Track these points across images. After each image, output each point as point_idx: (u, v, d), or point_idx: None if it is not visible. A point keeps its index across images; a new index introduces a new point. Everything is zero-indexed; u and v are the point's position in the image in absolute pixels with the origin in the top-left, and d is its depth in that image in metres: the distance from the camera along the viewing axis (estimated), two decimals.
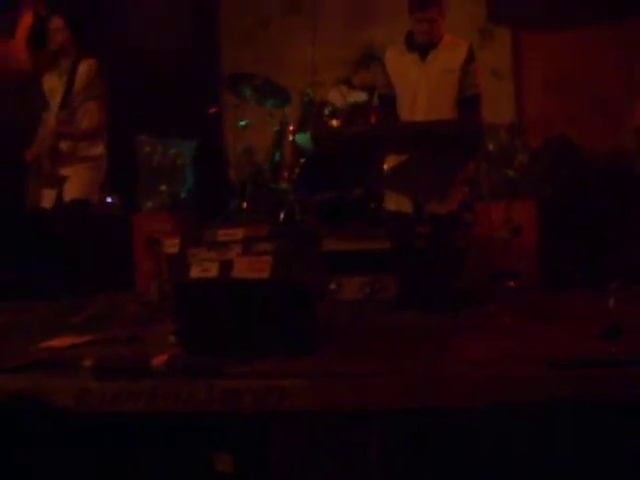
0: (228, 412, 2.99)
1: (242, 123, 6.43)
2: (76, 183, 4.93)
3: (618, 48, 5.09)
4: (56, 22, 4.93)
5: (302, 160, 5.87)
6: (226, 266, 3.47)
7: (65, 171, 4.91)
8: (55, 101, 4.92)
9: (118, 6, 6.99)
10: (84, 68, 4.90)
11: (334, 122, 5.84)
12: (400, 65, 4.61)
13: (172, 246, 4.06)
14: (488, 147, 5.97)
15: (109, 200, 6.54)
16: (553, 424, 2.92)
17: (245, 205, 6.16)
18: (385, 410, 2.96)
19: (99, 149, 5.08)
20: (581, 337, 3.55)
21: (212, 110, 6.79)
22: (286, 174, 6.00)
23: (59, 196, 4.91)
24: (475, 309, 4.43)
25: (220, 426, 3.04)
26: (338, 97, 6.13)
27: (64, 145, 4.88)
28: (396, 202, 4.59)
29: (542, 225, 5.83)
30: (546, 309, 4.42)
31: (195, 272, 3.51)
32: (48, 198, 4.93)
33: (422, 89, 4.52)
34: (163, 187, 6.51)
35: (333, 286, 4.85)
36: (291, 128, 6.13)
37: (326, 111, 5.91)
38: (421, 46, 4.54)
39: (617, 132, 5.04)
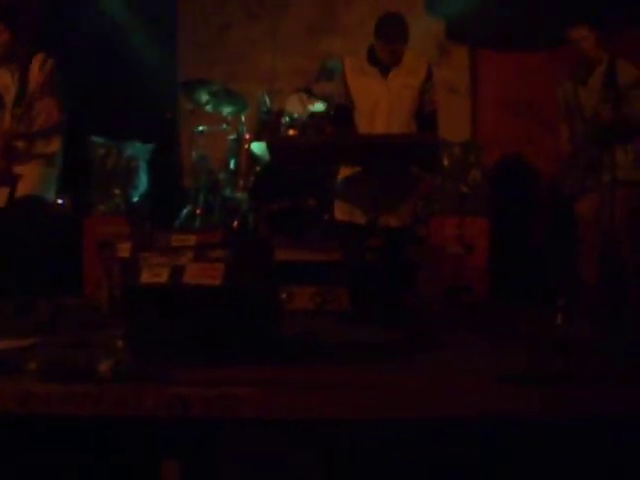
0: (176, 419, 2.96)
1: (199, 129, 6.41)
2: (30, 180, 4.80)
3: (567, 72, 5.23)
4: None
5: (257, 169, 5.87)
6: (177, 272, 3.44)
7: (19, 169, 4.78)
8: (8, 99, 4.81)
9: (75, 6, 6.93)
10: (37, 64, 4.79)
11: (291, 131, 5.86)
12: (361, 78, 4.66)
13: (124, 250, 4.03)
14: (443, 163, 6.03)
15: (59, 201, 6.44)
16: (499, 438, 2.95)
17: (199, 212, 6.13)
18: (335, 421, 2.96)
19: (55, 146, 4.96)
20: (530, 352, 3.59)
21: (167, 115, 6.75)
22: (241, 182, 5.99)
23: (11, 194, 4.77)
24: (427, 323, 4.46)
25: (168, 433, 3.01)
26: (297, 105, 6.14)
27: (19, 143, 4.76)
28: (348, 213, 4.61)
29: (493, 241, 5.89)
30: (497, 324, 4.46)
31: (146, 277, 3.48)
32: (0, 196, 4.79)
33: (383, 103, 4.59)
34: (116, 190, 6.43)
35: (284, 295, 4.84)
36: (247, 136, 6.12)
37: (284, 120, 5.92)
38: (383, 62, 4.60)
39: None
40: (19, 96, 4.74)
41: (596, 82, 4.78)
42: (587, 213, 4.82)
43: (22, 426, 3.02)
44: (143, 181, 6.54)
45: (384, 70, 4.60)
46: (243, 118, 6.37)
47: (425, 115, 4.64)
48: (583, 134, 4.80)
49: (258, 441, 2.99)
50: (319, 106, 6.08)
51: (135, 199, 6.45)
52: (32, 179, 4.82)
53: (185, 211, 6.19)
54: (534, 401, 2.93)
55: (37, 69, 4.79)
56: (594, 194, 4.70)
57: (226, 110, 6.35)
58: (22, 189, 4.79)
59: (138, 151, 6.56)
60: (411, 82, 4.60)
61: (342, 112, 4.75)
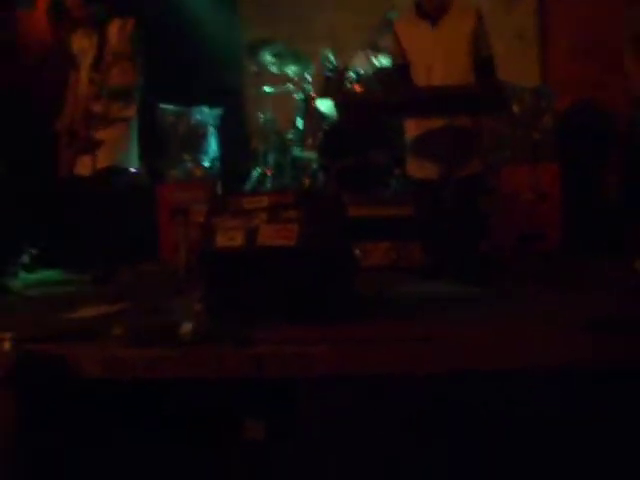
0: (255, 378, 3.02)
1: (265, 90, 6.42)
2: (112, 149, 4.81)
3: None
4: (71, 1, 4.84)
5: (325, 127, 5.86)
6: (252, 234, 3.48)
7: (100, 135, 4.77)
8: (86, 61, 4.84)
9: None
10: (115, 28, 4.79)
11: (357, 87, 5.82)
12: (412, 34, 4.66)
13: (198, 215, 4.09)
14: (513, 110, 5.92)
15: (133, 170, 6.55)
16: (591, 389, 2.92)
17: (269, 173, 6.16)
18: (411, 375, 2.98)
19: (132, 110, 4.97)
20: (611, 300, 3.54)
21: (233, 79, 6.77)
22: (310, 141, 5.99)
23: (94, 162, 4.76)
24: (500, 274, 4.43)
25: (249, 393, 3.07)
26: (363, 61, 6.10)
27: (97, 107, 4.73)
28: (421, 169, 4.60)
29: (566, 188, 5.79)
30: (572, 274, 4.40)
31: (221, 241, 3.53)
32: (83, 164, 4.81)
33: (437, 55, 4.57)
34: (187, 156, 6.49)
35: (358, 252, 4.85)
36: (313, 95, 6.11)
37: (349, 77, 5.88)
38: (431, 13, 4.58)
39: None
40: (97, 60, 4.75)
41: None
42: None
43: (108, 390, 3.12)
44: (213, 146, 6.59)
45: (433, 21, 4.58)
46: (308, 77, 6.35)
47: (482, 60, 4.60)
48: None
49: (335, 398, 3.03)
50: (385, 60, 6.01)
51: (206, 164, 6.51)
52: (113, 147, 4.82)
53: (256, 173, 6.23)
54: (621, 348, 2.89)
55: (115, 32, 4.77)
56: None
57: (291, 70, 6.34)
58: (104, 159, 4.78)
59: (206, 116, 6.60)
60: (462, 29, 4.56)
61: (401, 71, 4.75)
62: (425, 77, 4.59)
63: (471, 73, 4.59)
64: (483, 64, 4.60)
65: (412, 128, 4.71)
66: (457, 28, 4.56)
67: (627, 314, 3.16)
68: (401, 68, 4.74)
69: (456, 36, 4.56)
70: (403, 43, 4.69)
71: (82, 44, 4.89)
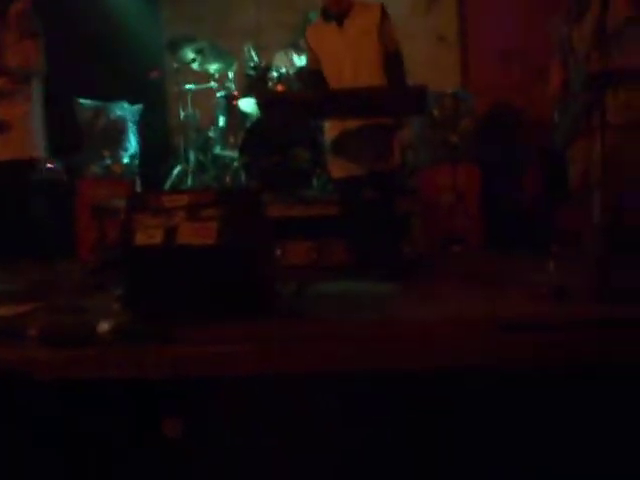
0: (177, 378, 3.00)
1: (188, 87, 6.38)
2: (20, 135, 4.69)
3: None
4: None
5: (247, 125, 5.85)
6: (171, 232, 3.45)
7: (3, 112, 4.64)
8: None
9: None
10: (16, 8, 4.67)
11: (279, 87, 5.83)
12: (321, 37, 4.78)
13: (117, 212, 4.04)
14: (433, 113, 6.01)
15: (50, 166, 6.43)
16: (503, 388, 2.98)
17: (190, 171, 6.13)
18: (336, 373, 3.00)
19: (38, 90, 4.83)
20: (526, 299, 3.63)
21: (153, 74, 6.71)
22: (231, 139, 5.98)
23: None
24: (423, 273, 4.49)
25: (168, 391, 3.05)
26: (285, 60, 6.12)
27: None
28: (343, 168, 4.65)
29: (485, 190, 5.90)
30: (491, 272, 4.49)
31: (140, 239, 3.49)
32: None
33: (345, 54, 4.67)
34: (106, 152, 6.41)
35: (278, 252, 4.85)
36: (236, 93, 6.10)
37: (271, 75, 5.89)
38: (336, 15, 4.69)
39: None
40: None
41: (588, 24, 4.67)
42: (577, 160, 4.78)
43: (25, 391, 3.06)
44: (132, 142, 6.52)
45: (339, 22, 4.68)
46: (231, 75, 6.34)
47: (390, 55, 4.68)
48: (575, 78, 4.72)
49: (253, 397, 3.03)
50: (304, 60, 6.04)
51: (125, 160, 6.44)
52: (21, 135, 4.68)
53: (176, 171, 6.19)
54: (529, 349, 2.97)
55: (14, 12, 4.65)
56: (585, 139, 4.65)
57: (213, 67, 6.33)
58: (14, 148, 4.66)
59: (126, 112, 6.52)
60: (366, 26, 4.65)
61: (316, 76, 4.84)
62: (336, 77, 4.69)
63: (380, 69, 4.68)
64: (390, 60, 4.68)
65: (330, 129, 4.77)
66: (362, 26, 4.66)
67: (534, 314, 3.26)
68: (314, 73, 4.85)
69: (362, 33, 4.65)
70: (314, 48, 4.81)
71: None
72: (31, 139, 4.74)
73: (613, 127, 4.46)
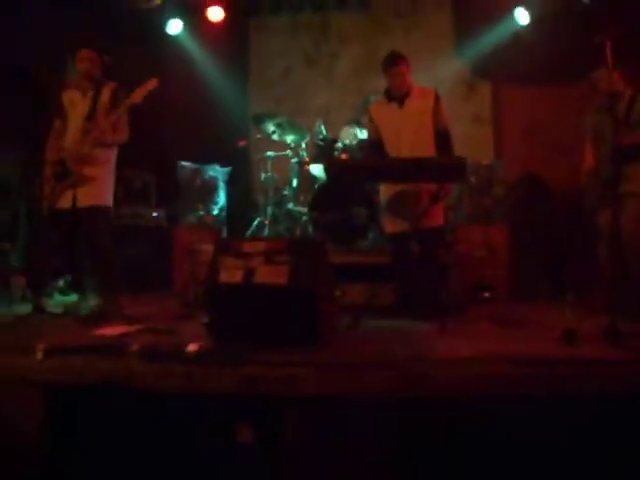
0: (249, 394, 3.00)
1: (268, 154, 6.47)
2: (95, 187, 4.65)
3: (576, 104, 5.23)
4: (88, 54, 4.73)
5: (315, 186, 5.89)
6: (250, 273, 3.49)
7: (86, 172, 4.62)
8: (76, 112, 4.71)
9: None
10: (109, 89, 4.72)
11: (343, 155, 5.88)
12: (383, 113, 4.76)
13: (206, 254, 4.08)
14: (471, 180, 5.99)
15: (155, 214, 6.57)
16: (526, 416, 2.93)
17: (267, 222, 6.18)
18: (380, 397, 2.97)
19: (112, 155, 4.80)
20: (546, 340, 3.57)
21: (242, 143, 6.83)
22: (302, 197, 6.02)
23: (74, 197, 4.60)
24: (457, 315, 4.44)
25: (242, 405, 3.05)
26: (349, 134, 6.16)
27: (84, 149, 4.59)
28: (394, 224, 4.63)
29: (513, 246, 5.83)
30: (515, 317, 4.41)
31: (224, 277, 3.53)
32: (65, 199, 4.63)
33: (404, 130, 4.64)
34: (200, 205, 6.52)
35: (338, 293, 4.85)
36: (307, 160, 6.16)
37: (337, 146, 5.94)
38: (397, 96, 4.68)
39: (576, 173, 5.05)
40: (90, 112, 4.66)
41: (619, 113, 4.65)
42: (605, 224, 4.69)
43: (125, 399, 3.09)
44: (222, 198, 6.62)
45: (399, 102, 4.68)
46: (303, 145, 6.40)
47: (440, 133, 4.66)
48: (605, 154, 4.69)
49: (315, 413, 3.01)
50: (365, 134, 6.08)
51: (215, 212, 6.54)
52: (96, 187, 4.66)
53: (256, 222, 6.25)
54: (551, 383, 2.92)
55: (108, 92, 4.71)
56: (613, 206, 4.57)
57: (289, 138, 6.39)
58: (90, 197, 4.63)
59: (218, 173, 6.64)
60: (424, 107, 4.65)
61: (375, 145, 4.82)
62: (396, 148, 4.66)
63: (433, 144, 4.65)
64: (441, 136, 4.65)
65: (385, 191, 4.75)
66: (419, 107, 4.65)
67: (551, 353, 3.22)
68: (374, 143, 4.83)
69: (419, 113, 4.64)
70: (376, 122, 4.79)
71: (74, 98, 4.76)
72: (109, 190, 4.81)
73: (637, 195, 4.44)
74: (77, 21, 5.65)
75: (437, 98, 4.68)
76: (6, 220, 5.74)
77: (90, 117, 4.66)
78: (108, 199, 4.76)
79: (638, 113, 4.59)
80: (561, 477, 2.91)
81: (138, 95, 4.55)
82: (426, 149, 4.60)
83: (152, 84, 4.57)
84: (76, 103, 4.75)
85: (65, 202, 4.63)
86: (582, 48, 4.70)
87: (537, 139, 6.78)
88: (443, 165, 4.25)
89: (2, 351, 3.31)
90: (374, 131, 4.82)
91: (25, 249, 5.32)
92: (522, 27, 6.62)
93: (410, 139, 4.61)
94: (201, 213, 6.50)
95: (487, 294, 5.55)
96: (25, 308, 4.60)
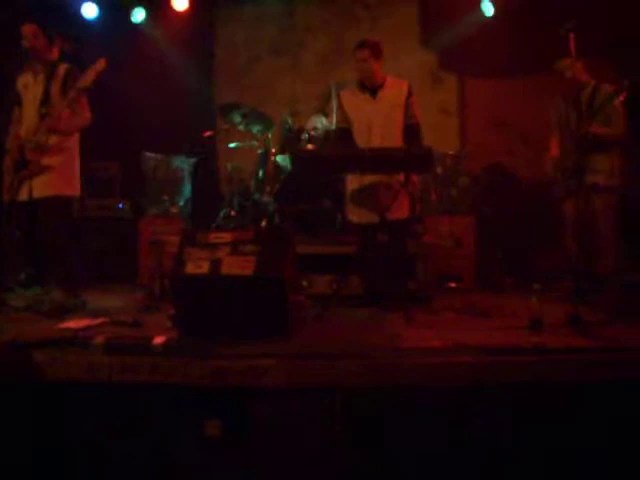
0: (217, 386, 2.98)
1: (232, 145, 6.42)
2: (56, 176, 4.49)
3: (539, 95, 5.32)
4: (30, 28, 4.52)
5: (282, 177, 5.87)
6: (216, 264, 3.47)
7: (46, 161, 4.45)
8: (30, 97, 4.56)
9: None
10: (62, 70, 4.55)
11: (309, 146, 5.85)
12: (355, 103, 4.70)
13: (172, 246, 4.04)
14: (437, 171, 6.01)
15: (120, 206, 6.49)
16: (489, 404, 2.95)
17: (233, 213, 6.14)
18: (348, 387, 2.97)
19: (72, 141, 4.63)
20: (511, 329, 3.59)
21: (207, 133, 6.77)
22: (268, 188, 5.99)
23: (30, 189, 4.45)
24: (424, 305, 4.46)
25: (210, 399, 3.03)
26: (315, 124, 6.14)
27: (42, 138, 4.42)
28: (361, 215, 4.62)
29: (479, 236, 5.88)
30: (481, 306, 4.45)
31: (190, 268, 3.50)
32: (23, 191, 4.48)
33: (375, 121, 4.61)
34: (165, 196, 6.47)
35: (305, 283, 4.83)
36: (273, 150, 6.12)
37: (304, 137, 5.92)
38: (370, 87, 4.64)
39: (539, 162, 5.11)
40: (45, 96, 4.50)
41: (583, 103, 4.73)
42: (572, 212, 4.77)
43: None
44: (187, 189, 6.58)
45: (372, 93, 4.64)
46: (270, 135, 6.36)
47: (409, 127, 4.63)
48: (570, 144, 4.75)
49: (283, 405, 3.00)
50: (331, 124, 6.07)
51: (181, 203, 6.49)
52: (57, 176, 4.50)
53: (222, 213, 6.20)
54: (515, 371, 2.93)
55: (61, 74, 4.54)
56: (578, 196, 4.64)
57: (255, 129, 6.35)
58: (49, 187, 4.48)
59: (183, 164, 6.59)
60: (397, 100, 4.62)
61: (343, 132, 4.77)
62: (366, 139, 4.62)
63: (402, 136, 4.62)
64: (410, 129, 4.63)
65: (352, 181, 4.73)
66: (392, 99, 4.62)
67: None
68: (343, 130, 4.77)
69: (391, 105, 4.60)
70: (347, 110, 4.73)
71: (26, 81, 4.62)
72: (70, 180, 4.67)
73: (602, 188, 4.51)
74: (36, 3, 5.48)
75: (410, 91, 4.66)
76: None
77: (45, 102, 4.49)
78: (68, 189, 4.61)
79: (599, 104, 4.65)
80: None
81: (87, 78, 4.37)
82: (396, 141, 4.58)
83: (100, 65, 4.37)
84: (29, 87, 4.59)
85: (23, 194, 4.49)
86: (547, 40, 4.77)
87: (502, 130, 6.83)
88: (410, 155, 4.25)
89: None
90: (344, 119, 4.76)
91: None
92: (488, 19, 6.64)
93: (381, 131, 4.58)
94: (166, 204, 6.44)
95: (454, 284, 5.59)
96: None
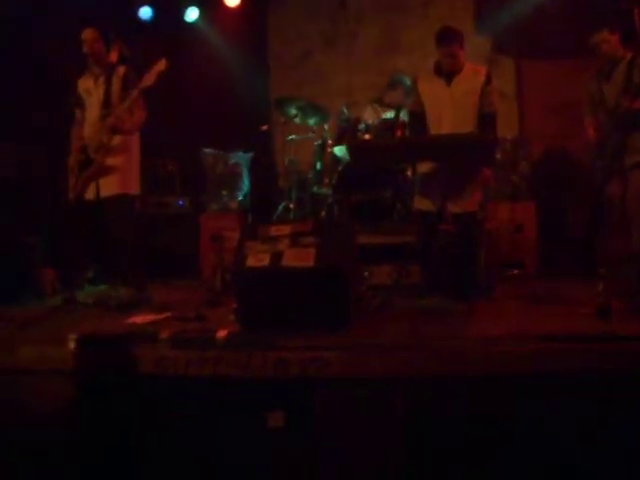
0: (279, 378, 3.00)
1: (290, 138, 6.45)
2: (119, 176, 4.60)
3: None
4: (89, 33, 4.64)
5: (339, 168, 5.86)
6: (277, 256, 3.48)
7: (108, 162, 4.58)
8: (92, 100, 4.67)
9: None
10: (120, 72, 4.64)
11: (366, 136, 5.82)
12: (430, 88, 4.58)
13: (233, 240, 4.07)
14: (496, 157, 5.91)
15: (180, 202, 6.59)
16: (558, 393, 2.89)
17: (292, 206, 6.16)
18: (410, 377, 2.95)
19: (133, 142, 4.74)
20: (577, 317, 3.51)
21: (264, 128, 6.82)
22: (326, 180, 5.99)
23: (97, 188, 4.57)
24: (486, 294, 4.39)
25: (273, 389, 3.04)
26: (371, 114, 6.10)
27: (105, 138, 4.53)
28: (422, 202, 4.55)
29: (540, 222, 5.77)
30: (546, 294, 4.36)
31: (251, 262, 3.52)
32: (90, 190, 4.61)
33: (448, 108, 4.47)
34: (224, 192, 6.54)
35: (365, 273, 4.81)
36: (330, 142, 6.11)
37: (360, 127, 5.89)
38: (447, 73, 4.52)
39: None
40: (106, 98, 4.59)
41: (618, 78, 4.54)
42: (615, 195, 4.61)
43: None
44: (246, 183, 6.63)
45: (448, 79, 4.50)
46: (326, 127, 6.35)
47: (485, 116, 4.46)
48: (607, 124, 4.58)
49: (345, 395, 3.00)
50: (389, 114, 6.02)
51: (240, 198, 6.55)
52: (121, 176, 4.60)
53: (281, 206, 6.23)
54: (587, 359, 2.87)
55: (120, 76, 4.62)
56: (621, 177, 4.48)
57: (312, 121, 6.35)
58: (114, 186, 4.59)
59: (241, 159, 6.65)
60: (472, 87, 4.46)
61: (416, 117, 4.67)
62: (436, 125, 4.51)
63: (475, 126, 4.45)
64: (486, 119, 4.47)
65: (421, 166, 4.59)
66: (467, 86, 4.46)
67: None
68: (416, 114, 4.66)
69: (466, 93, 4.45)
70: (421, 95, 4.60)
71: (87, 85, 4.73)
72: (133, 179, 4.76)
73: None
74: (93, 10, 5.60)
75: (488, 79, 4.49)
76: (32, 214, 5.77)
77: (106, 104, 4.60)
78: (132, 187, 4.73)
79: (638, 78, 4.44)
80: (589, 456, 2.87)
81: (148, 78, 4.43)
82: (468, 129, 4.40)
83: (161, 65, 4.44)
84: (90, 90, 4.71)
85: (89, 193, 4.64)
86: (604, 19, 4.62)
87: (561, 114, 6.67)
88: (470, 144, 4.15)
89: (35, 343, 3.34)
90: (418, 104, 4.63)
91: (52, 242, 5.33)
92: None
93: (452, 118, 4.43)
94: (226, 199, 6.51)
95: (516, 271, 5.50)
96: (56, 301, 4.63)
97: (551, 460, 2.89)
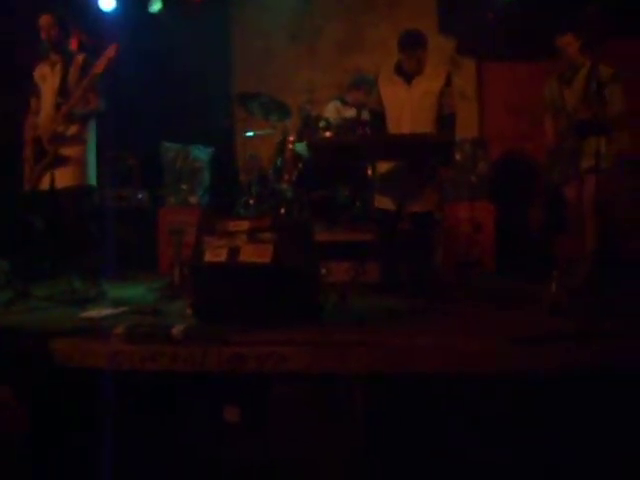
0: (235, 373, 3.00)
1: (249, 134, 6.44)
2: (74, 167, 4.54)
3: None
4: (46, 19, 4.56)
5: (300, 165, 5.87)
6: (234, 252, 3.48)
7: (63, 152, 4.51)
8: (47, 88, 4.60)
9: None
10: (79, 60, 4.57)
11: (327, 133, 5.84)
12: (390, 87, 4.60)
13: (191, 235, 4.06)
14: (456, 157, 5.98)
15: (139, 196, 6.54)
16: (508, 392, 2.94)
17: (251, 202, 6.15)
18: (365, 374, 2.98)
19: (89, 133, 4.66)
20: (530, 316, 3.58)
21: (225, 122, 6.80)
22: (286, 176, 5.99)
23: (52, 179, 4.51)
24: (443, 292, 4.44)
25: (228, 384, 3.05)
26: (333, 112, 6.13)
27: (59, 128, 4.47)
28: (382, 201, 4.59)
29: (498, 222, 5.86)
30: (501, 292, 4.43)
31: (208, 256, 3.53)
32: (44, 181, 4.54)
33: (407, 108, 4.51)
34: (184, 186, 6.51)
35: (323, 271, 4.83)
36: (291, 138, 6.12)
37: (321, 124, 5.90)
38: (407, 73, 4.54)
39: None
40: (62, 87, 4.53)
41: (579, 83, 4.64)
42: (572, 197, 4.72)
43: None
44: (206, 178, 6.61)
45: (408, 79, 4.54)
46: (287, 123, 6.36)
47: (444, 117, 4.51)
48: (566, 128, 4.68)
49: (301, 391, 3.02)
50: (350, 112, 6.05)
51: (199, 193, 6.52)
52: (76, 167, 4.54)
53: (240, 201, 6.22)
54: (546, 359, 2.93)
55: (78, 64, 4.57)
56: (577, 180, 4.58)
57: (273, 117, 6.34)
58: (69, 177, 4.52)
59: (201, 153, 6.62)
60: (432, 88, 4.49)
61: (376, 115, 4.71)
62: (396, 125, 4.54)
63: (434, 126, 4.50)
64: (445, 120, 4.51)
65: (381, 167, 4.65)
66: (428, 86, 4.49)
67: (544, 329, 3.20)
68: (376, 113, 4.69)
69: (426, 93, 4.48)
70: (382, 94, 4.63)
71: (44, 71, 4.66)
72: (85, 171, 4.72)
73: (603, 171, 4.43)
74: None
75: (449, 79, 4.53)
76: None
77: (62, 92, 4.52)
78: (88, 179, 4.65)
79: (596, 85, 4.51)
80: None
81: (99, 65, 4.36)
82: (427, 130, 4.44)
83: (111, 52, 4.36)
84: (46, 78, 4.63)
85: (44, 183, 4.56)
86: (569, 24, 4.70)
87: (520, 116, 6.78)
88: (429, 144, 4.18)
89: None
90: (377, 102, 4.67)
91: (6, 234, 5.24)
92: (506, 2, 6.57)
93: (411, 118, 4.47)
94: (185, 194, 6.48)
95: (473, 270, 5.58)
96: (9, 293, 4.56)
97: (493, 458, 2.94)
